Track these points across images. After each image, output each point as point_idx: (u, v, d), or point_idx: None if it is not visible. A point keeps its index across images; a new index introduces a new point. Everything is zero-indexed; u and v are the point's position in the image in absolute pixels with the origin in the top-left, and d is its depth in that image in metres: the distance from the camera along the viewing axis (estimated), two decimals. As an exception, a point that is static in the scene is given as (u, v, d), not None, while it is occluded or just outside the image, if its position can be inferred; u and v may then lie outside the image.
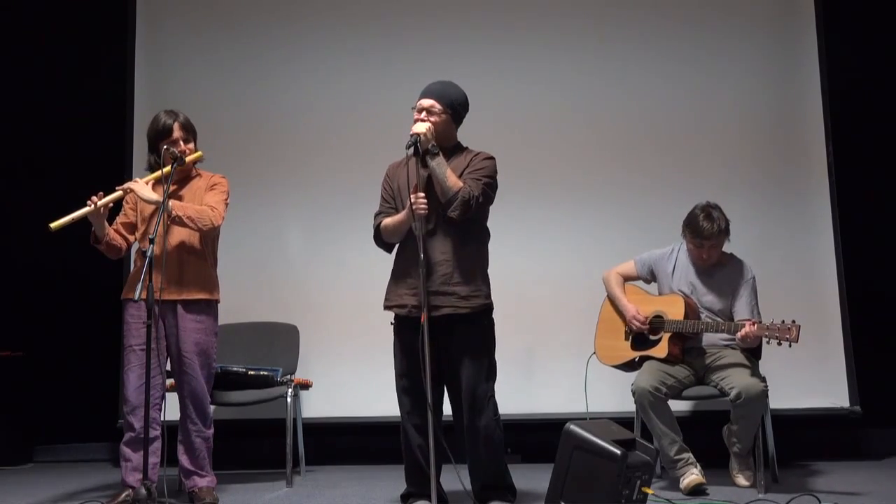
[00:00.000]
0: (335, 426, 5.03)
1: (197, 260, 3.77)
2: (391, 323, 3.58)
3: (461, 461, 3.43)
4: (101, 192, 3.64)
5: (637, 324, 4.09)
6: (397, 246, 3.61)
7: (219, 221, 3.74)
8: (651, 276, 4.27)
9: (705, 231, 4.02)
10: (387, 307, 3.57)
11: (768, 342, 3.82)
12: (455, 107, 3.55)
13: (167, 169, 3.62)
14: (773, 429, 4.14)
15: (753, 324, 3.80)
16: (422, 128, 3.44)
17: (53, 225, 3.50)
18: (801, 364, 4.67)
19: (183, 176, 3.84)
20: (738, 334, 3.83)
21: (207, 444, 3.80)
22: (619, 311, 4.22)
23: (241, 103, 5.24)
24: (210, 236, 3.79)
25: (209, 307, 3.79)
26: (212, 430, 3.82)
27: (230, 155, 4.90)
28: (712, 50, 5.12)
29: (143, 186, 3.67)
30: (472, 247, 3.52)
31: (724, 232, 4.05)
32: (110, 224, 3.79)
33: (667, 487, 3.95)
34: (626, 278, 4.29)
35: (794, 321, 3.70)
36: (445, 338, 3.44)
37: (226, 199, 3.84)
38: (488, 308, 3.53)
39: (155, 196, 3.64)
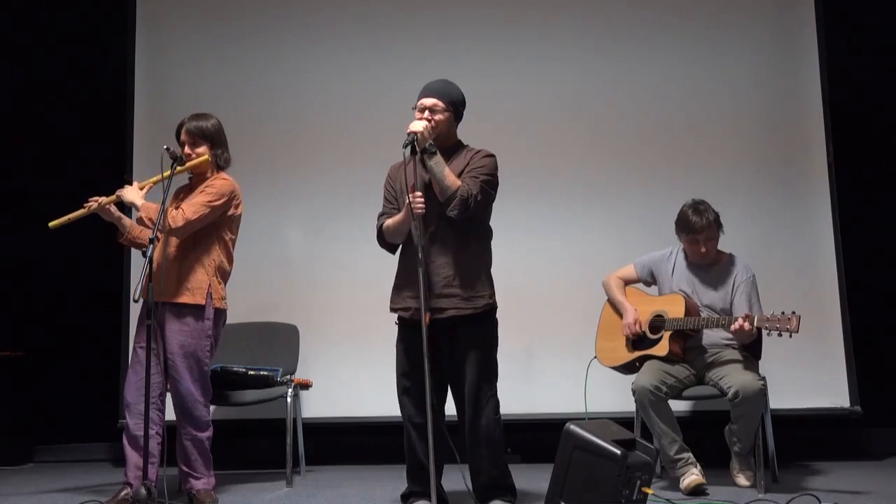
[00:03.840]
0: (335, 426, 5.02)
1: (190, 264, 3.75)
2: (395, 322, 3.59)
3: (465, 461, 3.44)
4: (102, 197, 3.75)
5: (628, 332, 4.10)
6: (401, 248, 3.61)
7: (176, 224, 3.63)
8: (651, 279, 4.27)
9: (696, 224, 4.03)
10: (392, 309, 3.58)
11: (769, 334, 3.81)
12: (456, 104, 3.56)
13: (167, 173, 3.65)
14: (773, 429, 4.15)
15: (747, 316, 3.81)
16: (419, 126, 3.42)
17: (52, 224, 3.68)
18: (800, 364, 4.68)
19: (200, 179, 3.87)
20: (732, 327, 3.83)
21: (200, 447, 3.75)
22: (620, 314, 4.21)
23: (240, 103, 5.23)
24: (179, 237, 3.72)
25: (197, 311, 3.72)
26: (207, 433, 3.77)
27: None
28: (712, 49, 5.11)
29: (129, 191, 3.73)
30: (474, 247, 3.52)
31: (716, 223, 4.06)
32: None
33: (667, 487, 3.95)
34: (627, 282, 4.30)
35: (793, 312, 3.69)
36: (449, 338, 3.44)
37: (208, 202, 3.72)
38: (492, 308, 3.53)
39: (135, 199, 3.70)
